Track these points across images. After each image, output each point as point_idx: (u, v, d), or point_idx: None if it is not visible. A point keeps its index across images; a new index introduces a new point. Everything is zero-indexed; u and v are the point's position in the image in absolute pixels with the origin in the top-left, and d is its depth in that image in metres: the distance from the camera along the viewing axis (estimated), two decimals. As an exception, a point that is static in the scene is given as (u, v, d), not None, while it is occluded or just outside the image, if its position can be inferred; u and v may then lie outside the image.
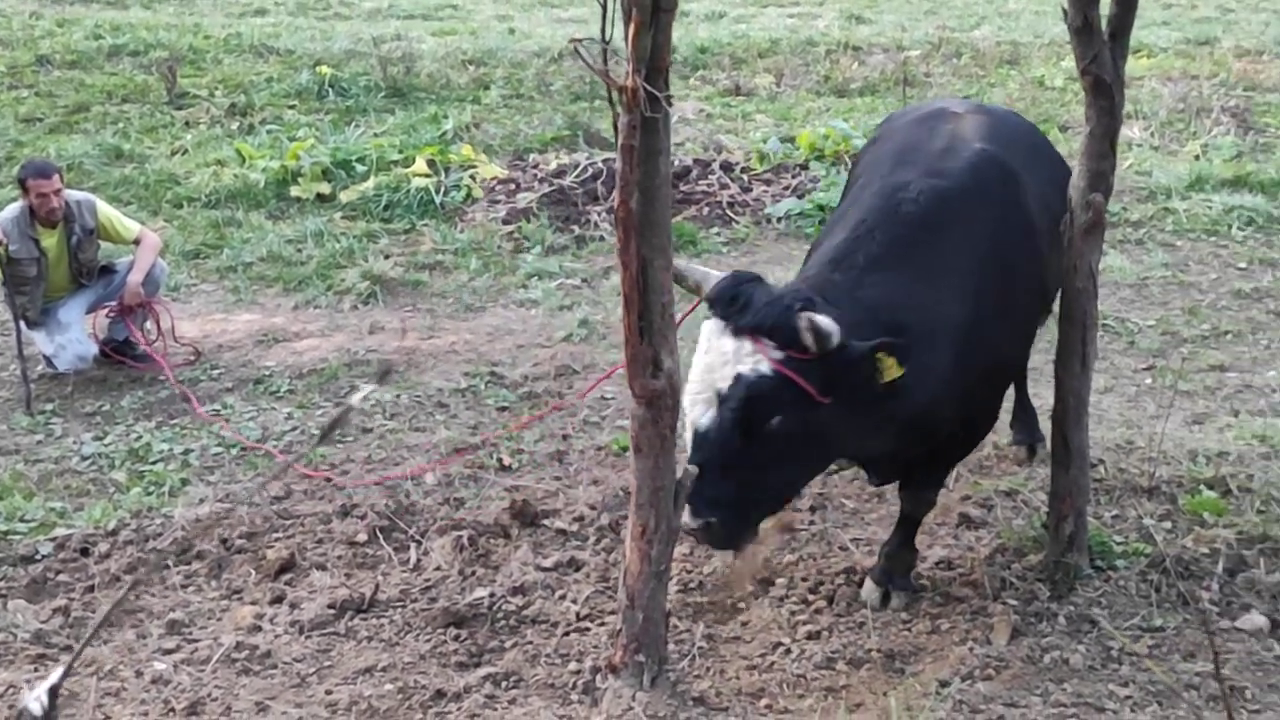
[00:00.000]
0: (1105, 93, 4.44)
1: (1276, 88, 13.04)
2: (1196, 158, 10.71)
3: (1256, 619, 4.51)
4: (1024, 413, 5.88)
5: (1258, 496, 5.31)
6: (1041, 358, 5.98)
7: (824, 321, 3.79)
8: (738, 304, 3.91)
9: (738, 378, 3.84)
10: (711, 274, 4.14)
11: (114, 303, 7.34)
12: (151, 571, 5.08)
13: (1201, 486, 5.43)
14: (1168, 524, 5.19)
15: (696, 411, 3.93)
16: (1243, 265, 8.60)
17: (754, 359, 3.84)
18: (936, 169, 4.45)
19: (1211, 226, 9.23)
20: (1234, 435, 6.05)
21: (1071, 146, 5.04)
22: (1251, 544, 4.94)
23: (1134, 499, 5.40)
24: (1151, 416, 6.27)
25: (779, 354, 3.82)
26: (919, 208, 4.26)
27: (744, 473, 3.94)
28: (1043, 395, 5.83)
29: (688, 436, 4.01)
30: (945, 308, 4.17)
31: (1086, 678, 4.20)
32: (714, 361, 3.90)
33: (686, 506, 3.97)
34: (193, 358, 7.35)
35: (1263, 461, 5.71)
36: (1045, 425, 5.27)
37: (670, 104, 3.55)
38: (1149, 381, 6.88)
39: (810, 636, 4.59)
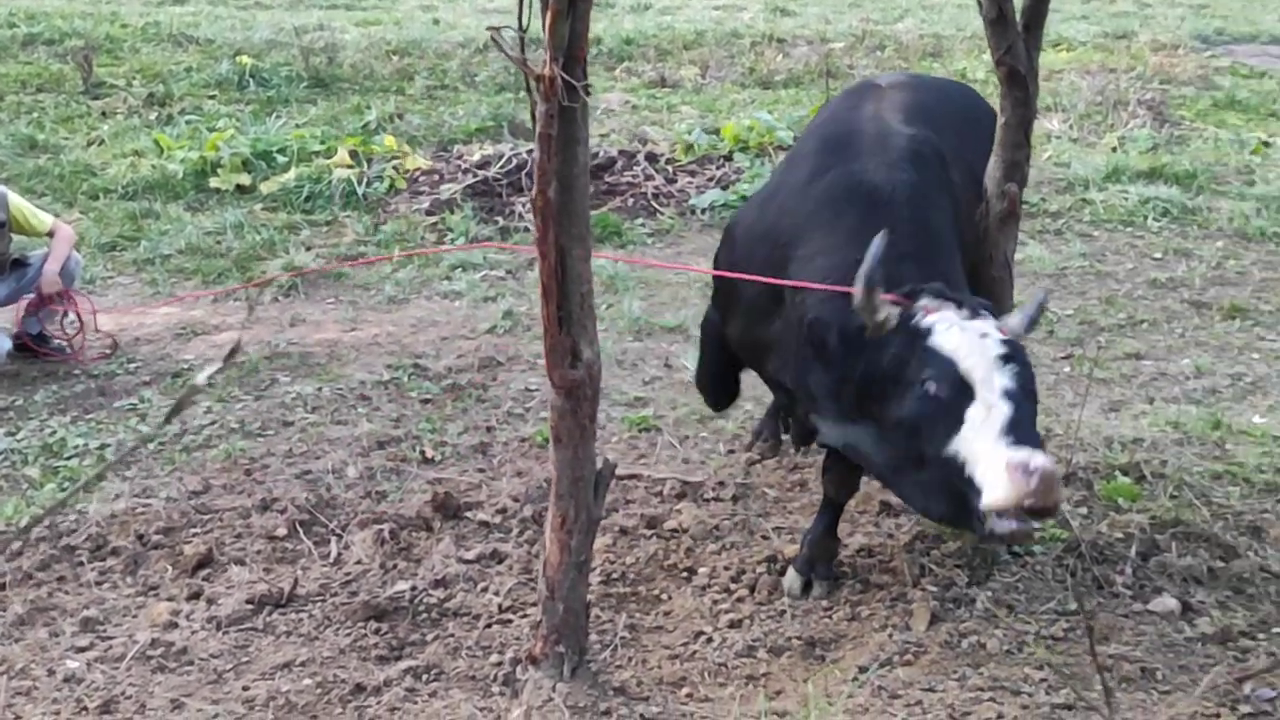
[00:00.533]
0: (1020, 84, 4.50)
1: (1191, 81, 13.30)
2: (1114, 150, 10.89)
3: (1168, 602, 4.59)
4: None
5: (1170, 482, 5.41)
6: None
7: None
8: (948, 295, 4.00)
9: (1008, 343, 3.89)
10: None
11: (31, 295, 7.19)
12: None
13: (1117, 473, 5.52)
14: (1084, 510, 5.27)
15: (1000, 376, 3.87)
16: (1158, 255, 8.75)
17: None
18: (886, 161, 4.45)
19: (1128, 217, 9.38)
20: (1148, 422, 6.15)
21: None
22: (1164, 529, 5.03)
23: (1051, 485, 5.47)
24: (1069, 404, 6.36)
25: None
26: (924, 212, 4.31)
27: None
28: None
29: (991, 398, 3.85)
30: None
31: (1003, 661, 4.25)
32: (982, 333, 3.90)
33: (1040, 454, 3.73)
34: (109, 350, 7.22)
35: (1176, 448, 5.82)
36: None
37: (588, 93, 3.54)
38: (1067, 370, 6.98)
39: (732, 625, 4.61)
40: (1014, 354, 3.85)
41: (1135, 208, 9.48)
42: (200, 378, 1.89)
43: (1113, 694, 3.36)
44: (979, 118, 5.24)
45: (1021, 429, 3.74)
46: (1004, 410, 3.76)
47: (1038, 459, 3.62)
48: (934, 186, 4.45)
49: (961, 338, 3.86)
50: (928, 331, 3.90)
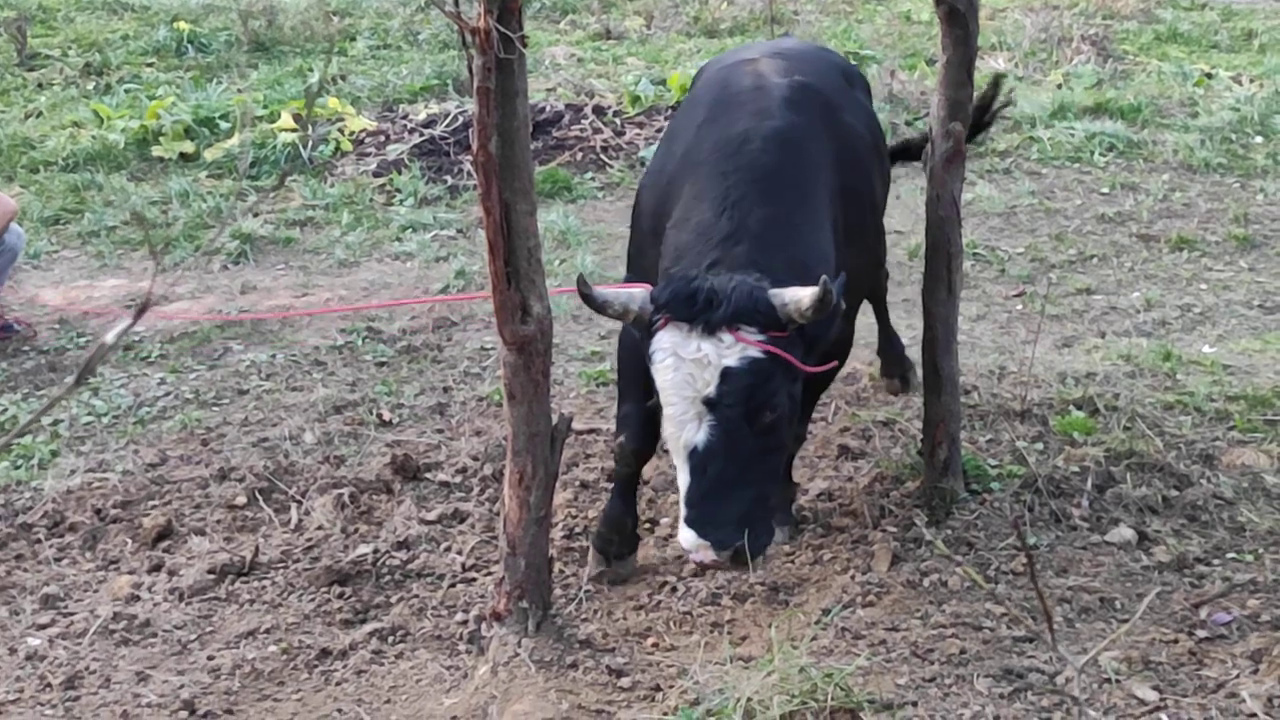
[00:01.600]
0: (959, 22, 4.50)
1: (1133, 15, 13.34)
2: (1059, 86, 10.92)
3: (1124, 532, 4.65)
4: (888, 344, 5.95)
5: (1123, 414, 5.46)
6: (914, 289, 6.06)
7: (804, 293, 3.70)
8: (698, 301, 3.72)
9: (727, 373, 3.70)
10: (633, 292, 3.91)
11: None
12: None
13: (1071, 407, 5.57)
14: (1040, 445, 5.32)
15: (689, 432, 3.75)
16: (1105, 190, 8.81)
17: (739, 349, 3.71)
18: (761, 109, 4.34)
19: (1075, 153, 9.43)
20: (1100, 356, 6.22)
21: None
22: (1119, 460, 5.09)
23: (1007, 422, 5.52)
24: (1022, 341, 6.41)
25: (761, 336, 3.71)
26: (770, 156, 4.17)
27: (756, 472, 3.81)
28: (917, 326, 5.91)
29: (678, 463, 3.83)
30: (828, 241, 4.17)
31: (964, 598, 4.29)
32: (692, 370, 3.71)
33: (702, 542, 3.72)
34: (30, 334, 7.06)
35: (1128, 380, 5.88)
36: (918, 355, 5.34)
37: (524, 44, 3.50)
38: (1019, 307, 7.04)
39: (695, 574, 4.63)
40: (720, 398, 3.71)
41: (1082, 144, 9.52)
42: (110, 335, 1.86)
43: (1054, 623, 3.40)
44: (847, 70, 5.24)
45: (693, 506, 3.77)
46: (684, 479, 3.80)
47: (696, 552, 3.77)
48: (810, 131, 4.34)
49: (671, 376, 3.76)
50: (651, 355, 3.84)
